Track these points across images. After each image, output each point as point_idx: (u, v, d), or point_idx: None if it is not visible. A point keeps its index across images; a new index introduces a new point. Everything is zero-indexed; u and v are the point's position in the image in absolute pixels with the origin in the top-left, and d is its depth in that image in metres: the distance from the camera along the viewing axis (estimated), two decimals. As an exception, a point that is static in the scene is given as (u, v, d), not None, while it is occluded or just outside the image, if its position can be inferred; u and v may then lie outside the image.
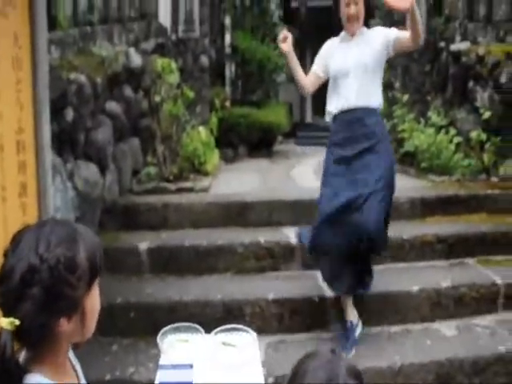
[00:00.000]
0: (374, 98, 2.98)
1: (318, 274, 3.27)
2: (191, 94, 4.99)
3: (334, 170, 2.96)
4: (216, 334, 1.59)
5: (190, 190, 4.50)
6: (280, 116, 8.46)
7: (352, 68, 2.95)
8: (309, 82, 3.18)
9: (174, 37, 5.93)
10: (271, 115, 8.00)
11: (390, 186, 2.90)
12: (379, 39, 2.97)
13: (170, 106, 4.70)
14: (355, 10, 2.88)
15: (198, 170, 4.88)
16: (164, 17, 5.92)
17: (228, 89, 9.27)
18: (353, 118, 2.93)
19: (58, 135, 3.09)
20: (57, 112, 3.05)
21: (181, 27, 5.94)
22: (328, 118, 3.12)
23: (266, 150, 7.68)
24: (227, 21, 9.75)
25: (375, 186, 2.78)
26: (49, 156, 2.41)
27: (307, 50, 15.47)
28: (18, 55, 2.22)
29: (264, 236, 3.78)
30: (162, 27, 5.83)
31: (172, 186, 4.52)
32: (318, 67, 3.16)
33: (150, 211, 4.11)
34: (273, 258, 3.69)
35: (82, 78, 3.39)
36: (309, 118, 13.80)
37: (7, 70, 2.13)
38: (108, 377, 2.80)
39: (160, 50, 5.49)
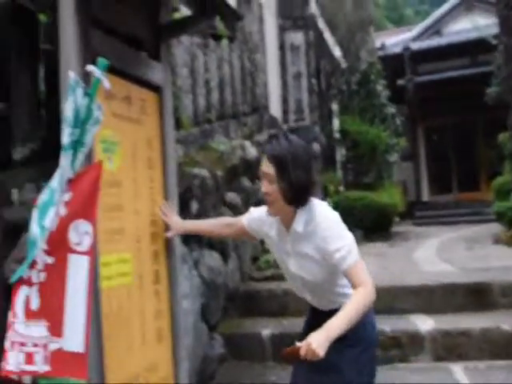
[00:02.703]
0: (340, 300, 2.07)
1: (453, 367, 3.00)
2: (305, 181, 5.09)
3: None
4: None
5: (309, 276, 4.46)
6: (395, 196, 8.30)
7: (297, 278, 2.12)
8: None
9: (285, 127, 6.24)
10: (386, 196, 7.88)
11: None
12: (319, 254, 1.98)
13: (284, 193, 4.81)
14: (264, 188, 1.93)
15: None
16: (275, 108, 6.29)
17: (339, 173, 9.37)
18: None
19: (184, 226, 3.29)
20: (182, 204, 3.27)
21: (291, 117, 6.25)
22: None
23: (382, 233, 7.49)
24: (334, 106, 10.09)
25: None
26: (178, 246, 2.56)
27: (418, 126, 15.26)
28: (151, 156, 2.46)
29: (389, 324, 3.58)
30: (273, 119, 6.18)
31: (290, 272, 4.52)
32: (249, 223, 2.22)
33: (270, 298, 4.12)
34: (400, 348, 3.45)
35: (205, 172, 3.65)
36: (425, 197, 13.37)
37: (142, 170, 2.36)
38: None
39: (273, 140, 5.77)
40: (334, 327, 1.77)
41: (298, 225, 1.95)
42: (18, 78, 2.28)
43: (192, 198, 3.45)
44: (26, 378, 1.34)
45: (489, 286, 3.85)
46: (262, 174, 1.93)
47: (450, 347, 3.43)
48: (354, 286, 1.91)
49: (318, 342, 1.69)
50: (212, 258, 3.66)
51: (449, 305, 3.80)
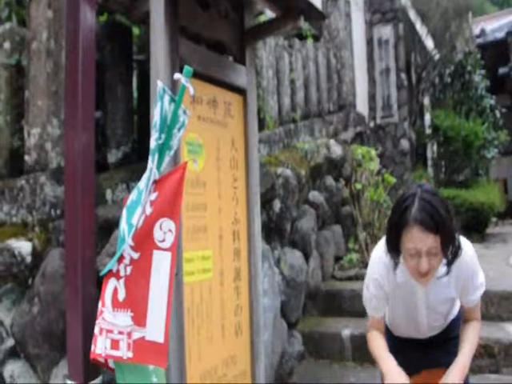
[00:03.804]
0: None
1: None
2: (392, 180, 4.98)
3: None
4: None
5: (393, 276, 4.36)
6: (493, 195, 7.81)
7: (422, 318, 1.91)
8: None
9: (372, 124, 6.12)
10: (482, 195, 7.43)
11: None
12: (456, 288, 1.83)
13: (371, 192, 4.75)
14: (428, 265, 1.63)
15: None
16: (361, 105, 6.19)
17: (430, 170, 8.98)
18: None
19: (266, 225, 3.37)
20: (266, 203, 3.35)
21: (379, 114, 6.12)
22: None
23: (477, 234, 7.10)
24: (426, 101, 9.67)
25: None
26: (259, 244, 2.63)
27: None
28: (234, 157, 2.55)
29: (480, 331, 3.41)
30: (359, 116, 6.09)
31: (374, 273, 4.46)
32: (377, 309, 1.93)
33: (352, 298, 4.09)
34: (491, 358, 3.28)
35: (288, 172, 3.70)
36: (528, 196, 12.41)
37: (226, 171, 2.45)
38: None
39: (359, 138, 5.70)
40: (465, 365, 1.73)
41: (441, 273, 1.74)
42: (113, 87, 2.47)
43: (275, 197, 3.52)
44: (111, 362, 1.49)
45: None
46: (424, 251, 1.60)
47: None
48: (470, 318, 1.87)
49: None
50: (293, 256, 3.71)
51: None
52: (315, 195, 4.28)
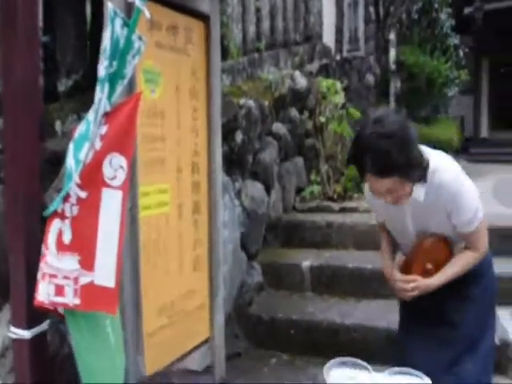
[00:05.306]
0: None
1: None
2: (357, 113, 4.95)
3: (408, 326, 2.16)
4: (388, 374, 1.53)
5: (354, 210, 4.43)
6: (450, 132, 7.96)
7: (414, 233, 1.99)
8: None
9: (338, 57, 5.96)
10: (440, 131, 7.55)
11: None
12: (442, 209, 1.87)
13: (335, 125, 4.71)
14: (394, 198, 1.79)
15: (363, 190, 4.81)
16: (328, 37, 6.00)
17: (392, 106, 9.00)
18: None
19: (228, 156, 3.30)
20: (227, 135, 3.27)
21: (345, 47, 5.96)
22: None
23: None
24: (392, 36, 9.52)
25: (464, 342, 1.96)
26: (220, 176, 2.57)
27: (482, 60, 14.17)
28: (195, 87, 2.43)
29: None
30: (326, 48, 5.92)
31: (335, 206, 4.52)
32: (377, 216, 2.22)
33: (312, 229, 4.16)
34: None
35: (251, 103, 3.60)
36: (484, 133, 12.67)
37: (185, 101, 2.34)
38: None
39: (324, 70, 5.57)
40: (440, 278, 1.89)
41: (419, 195, 1.82)
42: (64, 10, 2.25)
43: (237, 128, 3.43)
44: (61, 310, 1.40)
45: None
46: (383, 191, 1.73)
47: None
48: (466, 247, 1.92)
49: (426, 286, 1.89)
50: (255, 188, 3.70)
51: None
52: (278, 127, 4.21)
